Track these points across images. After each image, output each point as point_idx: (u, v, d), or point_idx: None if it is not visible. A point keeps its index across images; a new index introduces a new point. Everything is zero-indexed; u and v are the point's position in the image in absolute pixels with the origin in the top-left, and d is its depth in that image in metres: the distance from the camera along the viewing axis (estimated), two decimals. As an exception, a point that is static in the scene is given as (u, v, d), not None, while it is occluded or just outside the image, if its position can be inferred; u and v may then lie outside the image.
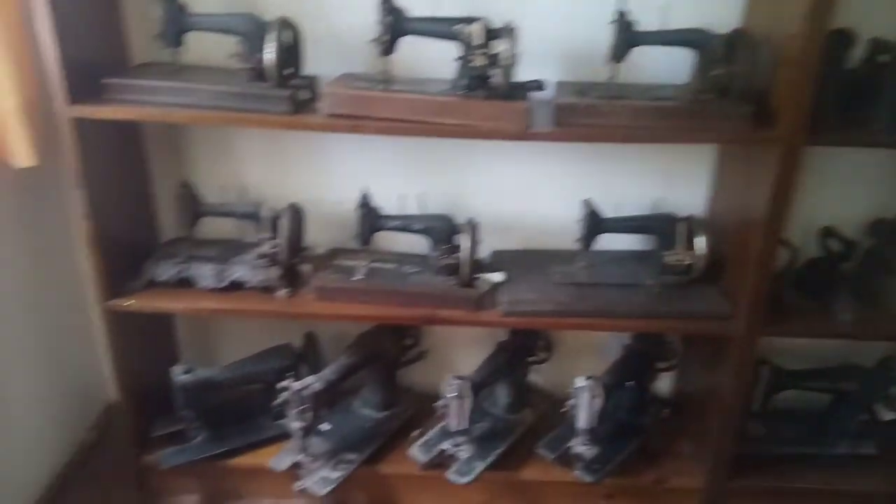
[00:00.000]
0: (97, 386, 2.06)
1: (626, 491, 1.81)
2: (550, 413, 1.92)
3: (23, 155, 1.44)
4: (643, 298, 1.63)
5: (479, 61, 1.38)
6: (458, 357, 2.04)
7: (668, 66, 1.58)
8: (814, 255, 1.73)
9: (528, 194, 1.82)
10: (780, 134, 1.38)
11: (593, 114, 1.41)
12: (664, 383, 2.01)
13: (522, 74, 1.42)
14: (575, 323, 1.61)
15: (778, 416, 1.89)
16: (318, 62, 1.55)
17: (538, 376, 1.99)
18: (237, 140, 1.77)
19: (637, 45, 1.43)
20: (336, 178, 1.80)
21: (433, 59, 1.52)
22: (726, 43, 1.41)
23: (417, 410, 1.93)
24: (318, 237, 1.77)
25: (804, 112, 1.34)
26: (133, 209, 1.71)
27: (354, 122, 1.41)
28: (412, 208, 1.68)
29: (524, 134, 1.38)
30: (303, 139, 1.75)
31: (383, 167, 1.78)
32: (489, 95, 1.39)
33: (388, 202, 1.65)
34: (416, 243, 1.77)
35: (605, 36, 1.47)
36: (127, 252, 1.66)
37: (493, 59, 1.37)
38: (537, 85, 1.43)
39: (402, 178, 1.78)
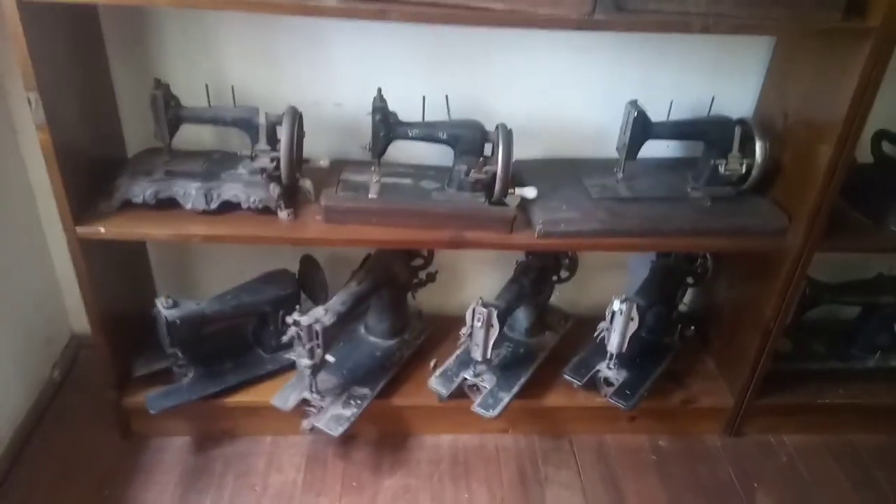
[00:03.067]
0: (59, 318, 1.81)
1: (653, 413, 1.72)
2: (570, 334, 1.80)
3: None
4: (691, 213, 1.47)
5: (532, -71, 1.12)
6: (470, 275, 1.87)
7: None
8: (864, 161, 1.59)
9: (552, 94, 1.60)
10: (873, 25, 1.19)
11: (665, -2, 1.18)
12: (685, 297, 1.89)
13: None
14: (618, 243, 1.44)
15: (805, 331, 1.81)
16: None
17: (555, 294, 1.84)
18: (214, 26, 1.46)
19: None
20: (333, 74, 1.53)
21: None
22: None
23: (429, 336, 1.76)
24: (315, 146, 1.51)
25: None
26: (95, 116, 1.41)
27: (378, 5, 1.13)
28: (428, 111, 1.43)
29: (588, 22, 1.14)
30: (293, 24, 1.45)
31: (387, 61, 1.52)
32: (544, -26, 1.14)
33: (399, 103, 1.39)
34: (432, 153, 1.55)
35: None
36: (92, 168, 1.38)
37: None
38: (603, -39, 1.18)
39: (408, 73, 1.53)
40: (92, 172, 1.37)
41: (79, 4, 1.20)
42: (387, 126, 1.38)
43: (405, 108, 1.38)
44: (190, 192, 1.37)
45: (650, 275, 1.73)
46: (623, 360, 1.61)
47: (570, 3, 1.14)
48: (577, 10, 1.14)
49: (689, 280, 1.77)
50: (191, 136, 1.49)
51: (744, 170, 1.46)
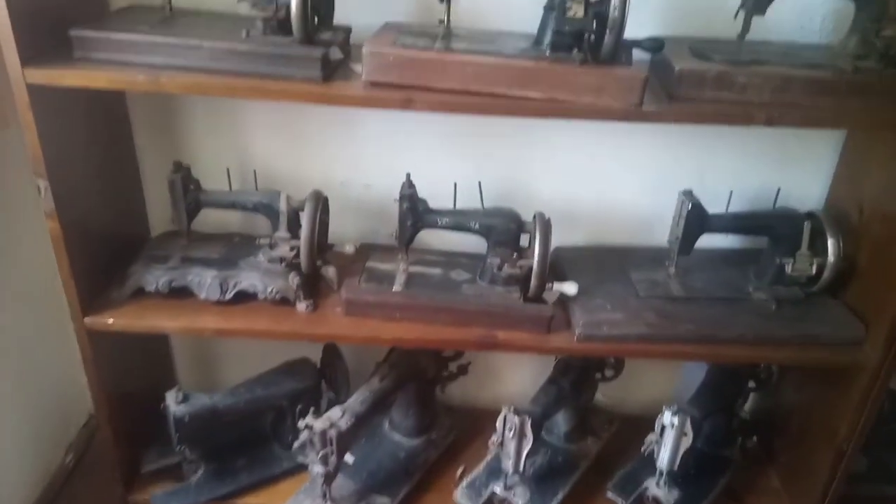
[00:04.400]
0: (77, 397, 1.73)
1: (709, 536, 1.52)
2: (616, 438, 1.63)
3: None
4: (753, 317, 1.31)
5: (575, 10, 1.02)
6: (505, 366, 1.73)
7: (806, 21, 1.23)
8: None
9: (599, 178, 1.48)
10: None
11: (724, 85, 1.06)
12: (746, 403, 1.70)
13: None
14: (667, 351, 1.28)
15: (883, 445, 1.60)
16: (348, 6, 1.19)
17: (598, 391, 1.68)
18: (241, 104, 1.40)
19: (780, -5, 1.08)
20: (361, 154, 1.45)
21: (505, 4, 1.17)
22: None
23: (458, 435, 1.62)
24: (342, 227, 1.42)
25: None
26: (113, 198, 1.36)
27: (405, 93, 1.05)
28: (461, 195, 1.32)
29: (635, 113, 1.03)
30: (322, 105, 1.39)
31: (418, 140, 1.43)
32: (586, 58, 1.04)
33: (430, 188, 1.30)
34: (466, 238, 1.44)
35: None
36: (108, 252, 1.32)
37: (595, 7, 1.02)
38: (655, 45, 1.07)
39: (440, 154, 1.44)
40: (109, 254, 1.31)
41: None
42: (415, 214, 1.28)
43: (436, 191, 1.29)
44: (205, 281, 1.29)
45: (707, 377, 1.55)
46: (675, 476, 1.43)
47: (616, 91, 1.03)
48: (623, 100, 1.03)
49: (752, 384, 1.59)
50: (215, 215, 1.42)
51: (814, 270, 1.30)
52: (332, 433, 1.26)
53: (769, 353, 1.31)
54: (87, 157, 1.23)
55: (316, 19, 1.09)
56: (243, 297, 1.31)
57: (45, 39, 1.05)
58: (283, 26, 1.07)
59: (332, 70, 1.09)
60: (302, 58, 1.05)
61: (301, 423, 1.27)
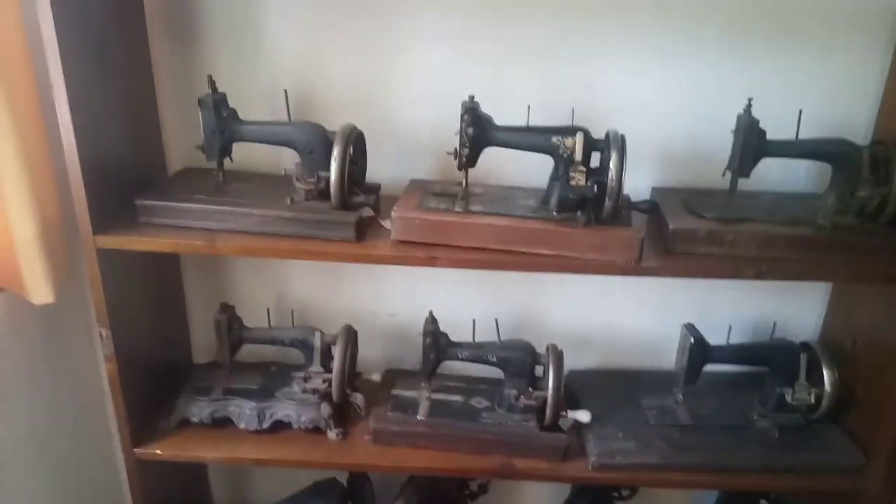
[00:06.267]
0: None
1: None
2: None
3: (40, 291, 1.22)
4: (757, 446, 1.38)
5: (578, 179, 1.16)
6: (524, 487, 1.79)
7: (791, 174, 1.37)
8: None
9: (607, 307, 1.59)
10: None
11: (714, 241, 1.18)
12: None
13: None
14: (678, 480, 1.35)
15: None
16: (377, 164, 1.35)
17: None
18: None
19: (765, 157, 1.21)
20: (388, 287, 1.58)
21: (514, 162, 1.32)
22: (872, 157, 1.19)
23: (479, 554, 1.67)
24: (370, 353, 1.55)
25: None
26: (164, 337, 1.50)
27: (429, 251, 1.18)
28: (479, 322, 1.44)
29: (635, 268, 1.15)
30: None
31: (442, 275, 1.56)
32: (589, 220, 1.17)
33: (450, 316, 1.41)
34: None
35: (710, 133, 1.33)
36: (155, 381, 1.43)
37: (595, 176, 1.16)
38: (650, 206, 1.21)
39: (463, 287, 1.56)
40: (156, 383, 1.43)
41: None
42: (437, 349, 1.39)
43: (456, 319, 1.40)
44: (244, 412, 1.40)
45: (719, 497, 1.61)
46: None
47: (616, 249, 1.16)
48: (624, 257, 1.16)
49: (763, 502, 1.64)
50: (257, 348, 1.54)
51: (812, 399, 1.38)
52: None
53: (773, 481, 1.37)
54: (142, 303, 1.37)
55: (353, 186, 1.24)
56: (279, 426, 1.41)
57: (112, 206, 1.20)
58: (322, 193, 1.22)
59: (365, 229, 1.24)
60: (339, 222, 1.19)
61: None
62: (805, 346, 1.42)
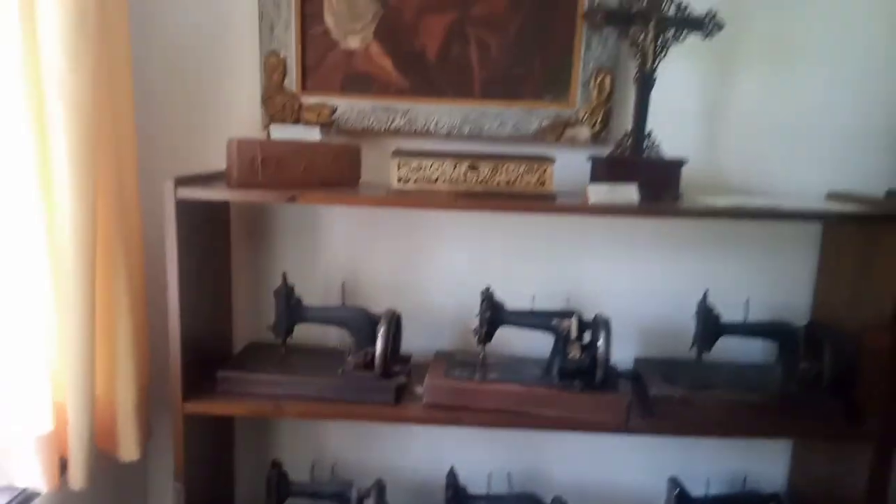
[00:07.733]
0: None
1: None
2: None
3: (129, 449, 1.46)
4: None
5: (574, 353, 1.46)
6: None
7: (749, 347, 1.67)
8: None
9: (604, 464, 1.82)
10: (870, 430, 1.42)
11: (687, 404, 1.46)
12: None
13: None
14: None
15: None
16: (408, 336, 1.63)
17: None
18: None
19: (722, 335, 1.51)
20: (415, 445, 1.82)
21: (521, 337, 1.62)
22: (808, 336, 1.49)
23: None
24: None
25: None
26: (216, 492, 1.71)
27: (453, 413, 1.45)
28: (493, 479, 1.67)
29: (624, 427, 1.42)
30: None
31: (462, 433, 1.80)
32: (585, 387, 1.45)
33: (469, 471, 1.65)
34: None
35: (678, 314, 1.65)
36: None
37: (588, 350, 1.45)
38: (635, 375, 1.49)
39: (482, 444, 1.80)
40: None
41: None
42: (457, 501, 1.61)
43: (474, 472, 1.63)
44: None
45: None
46: None
47: (607, 412, 1.43)
48: (614, 418, 1.43)
49: None
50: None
51: (786, 546, 1.58)
52: None
53: None
54: (206, 461, 1.60)
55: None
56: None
57: (196, 377, 1.48)
58: (367, 365, 1.50)
59: (401, 394, 1.51)
60: (381, 388, 1.47)
61: None
62: (774, 496, 1.64)
